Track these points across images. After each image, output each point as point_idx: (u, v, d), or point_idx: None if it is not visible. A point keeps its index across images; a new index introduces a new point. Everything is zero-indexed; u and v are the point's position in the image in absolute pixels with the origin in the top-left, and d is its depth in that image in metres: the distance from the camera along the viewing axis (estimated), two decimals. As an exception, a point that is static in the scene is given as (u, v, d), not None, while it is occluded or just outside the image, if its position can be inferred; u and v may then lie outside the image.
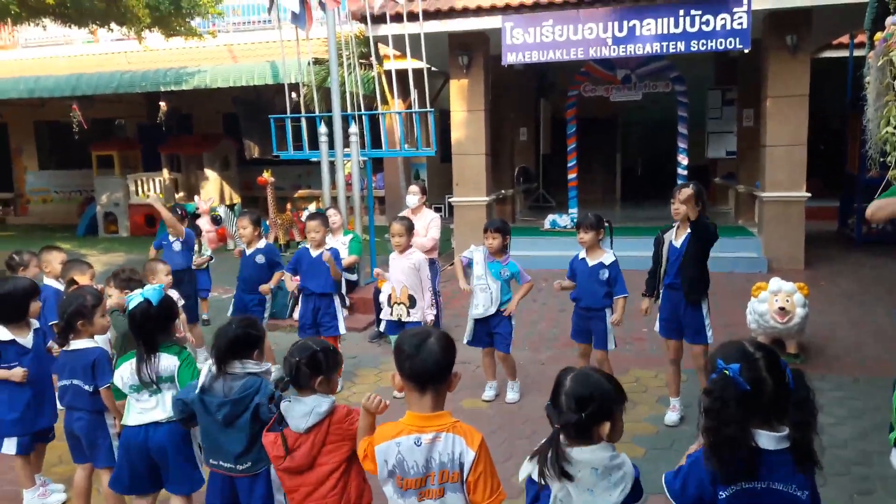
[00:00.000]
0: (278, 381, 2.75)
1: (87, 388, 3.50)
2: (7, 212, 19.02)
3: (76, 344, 3.53)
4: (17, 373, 3.77)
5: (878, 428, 4.49)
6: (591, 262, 4.97)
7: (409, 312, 5.30)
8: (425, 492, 2.22)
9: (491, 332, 5.25)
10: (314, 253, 5.58)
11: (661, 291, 4.82)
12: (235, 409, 2.94)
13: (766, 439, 2.00)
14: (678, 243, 4.64)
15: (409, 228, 5.54)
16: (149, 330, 3.21)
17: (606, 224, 5.00)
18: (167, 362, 3.24)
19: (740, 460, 1.97)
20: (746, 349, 2.05)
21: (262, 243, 5.95)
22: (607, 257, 4.95)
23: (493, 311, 5.16)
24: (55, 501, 3.97)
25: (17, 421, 3.84)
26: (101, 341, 3.69)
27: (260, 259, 5.86)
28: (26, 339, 3.88)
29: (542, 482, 2.08)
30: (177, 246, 6.45)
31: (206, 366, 3.04)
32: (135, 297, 3.21)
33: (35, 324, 3.98)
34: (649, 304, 4.93)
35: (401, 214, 7.51)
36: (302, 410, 2.59)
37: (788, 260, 9.58)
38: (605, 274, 4.90)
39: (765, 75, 9.65)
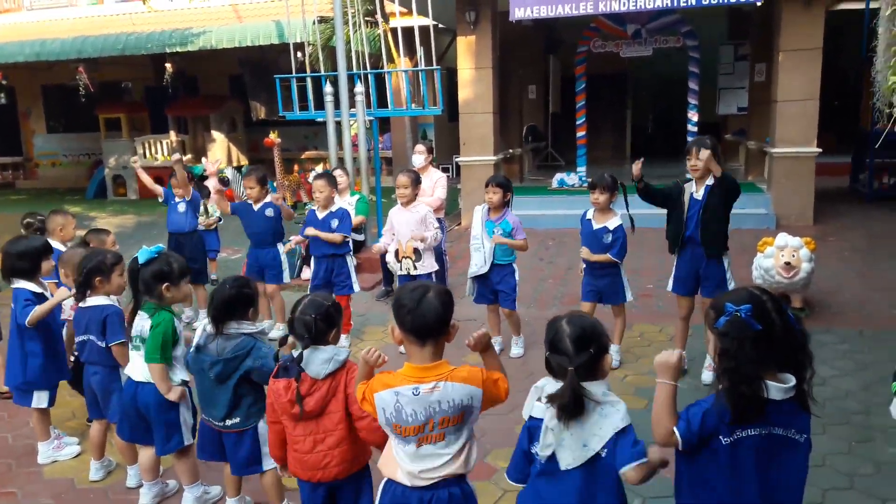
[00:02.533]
0: (282, 340, 2.81)
1: (100, 343, 3.59)
2: (17, 175, 19.11)
3: (91, 300, 3.60)
4: (62, 293, 3.86)
5: (881, 380, 4.52)
6: (596, 225, 4.93)
7: (415, 266, 5.32)
8: (424, 437, 2.27)
9: (494, 289, 5.28)
10: (321, 214, 5.59)
11: (678, 245, 4.71)
12: (227, 368, 3.05)
13: (775, 390, 2.05)
14: (699, 195, 4.56)
15: (416, 181, 5.50)
16: (134, 286, 3.32)
17: (621, 185, 4.91)
18: (145, 324, 3.30)
19: (752, 405, 2.02)
20: (754, 293, 2.13)
21: (268, 198, 5.97)
22: (613, 221, 4.89)
23: (485, 269, 5.19)
24: (69, 454, 4.08)
25: (51, 373, 3.98)
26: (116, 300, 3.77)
27: (269, 213, 5.89)
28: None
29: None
30: (181, 207, 6.47)
31: (200, 325, 3.12)
32: (140, 253, 3.29)
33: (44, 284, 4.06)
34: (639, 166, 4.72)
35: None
36: (322, 357, 2.65)
37: (797, 216, 9.52)
38: (609, 238, 4.87)
39: (778, 29, 9.46)
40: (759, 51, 11.43)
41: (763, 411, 2.03)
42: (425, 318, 2.24)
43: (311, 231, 5.51)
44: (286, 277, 6.08)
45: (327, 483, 2.73)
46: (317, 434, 2.70)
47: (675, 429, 2.12)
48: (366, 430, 2.65)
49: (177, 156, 6.36)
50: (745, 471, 2.07)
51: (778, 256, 5.75)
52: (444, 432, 2.27)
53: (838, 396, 4.41)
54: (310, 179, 10.97)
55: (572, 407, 2.11)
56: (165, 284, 3.29)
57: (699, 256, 4.63)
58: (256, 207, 5.92)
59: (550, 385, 2.21)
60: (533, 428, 2.25)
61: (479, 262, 5.22)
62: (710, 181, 4.50)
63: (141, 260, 3.28)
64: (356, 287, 5.69)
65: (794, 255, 5.71)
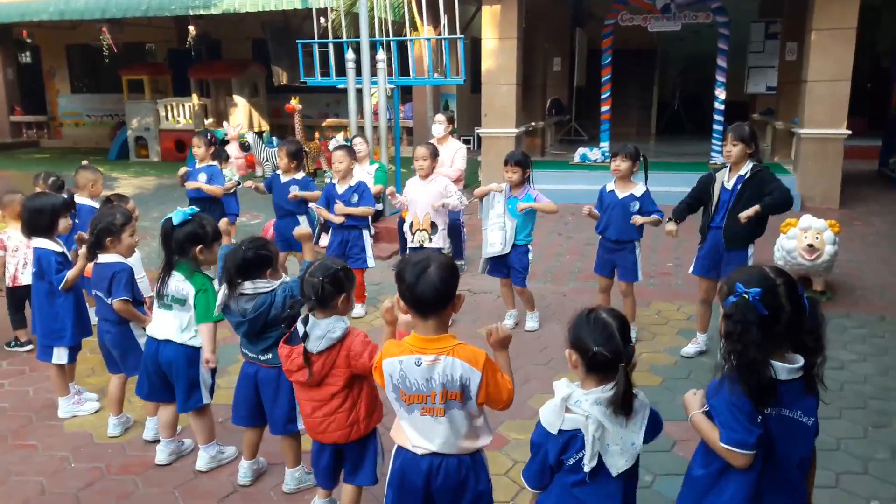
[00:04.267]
0: (294, 303, 2.81)
1: (108, 300, 3.63)
2: (41, 134, 19.27)
3: (103, 258, 3.64)
4: (81, 262, 3.90)
5: (900, 366, 4.47)
6: (621, 194, 4.84)
7: (430, 238, 5.30)
8: (428, 408, 2.28)
9: (508, 266, 5.24)
10: (340, 189, 5.52)
11: (706, 233, 4.64)
12: (253, 326, 3.08)
13: (781, 370, 2.02)
14: (729, 184, 4.44)
15: (435, 153, 5.45)
16: (167, 247, 3.33)
17: (643, 158, 4.84)
18: (181, 285, 3.33)
19: (762, 387, 1.99)
20: (767, 274, 2.05)
21: (300, 174, 5.91)
22: (638, 188, 4.81)
23: (507, 249, 5.14)
24: (89, 409, 4.15)
25: (73, 330, 4.04)
26: (133, 261, 3.80)
27: (294, 189, 5.85)
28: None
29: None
30: (202, 177, 6.50)
31: (221, 289, 3.13)
32: (174, 214, 3.31)
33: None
34: (675, 228, 4.71)
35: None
36: (316, 333, 2.66)
37: (823, 198, 9.36)
38: (637, 205, 4.78)
39: (811, 7, 9.21)
40: (791, 29, 11.17)
41: (776, 393, 2.01)
42: (425, 294, 2.23)
43: (340, 209, 5.41)
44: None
45: (330, 444, 2.80)
46: (315, 401, 2.75)
47: (736, 449, 2.02)
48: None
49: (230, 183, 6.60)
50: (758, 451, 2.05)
51: (801, 238, 5.67)
52: (446, 407, 2.27)
53: (856, 380, 4.36)
54: (330, 147, 10.97)
55: (630, 405, 2.05)
56: (199, 247, 3.32)
57: (722, 242, 4.53)
58: (284, 180, 5.88)
59: (581, 393, 2.08)
60: (567, 441, 2.08)
61: (501, 242, 5.14)
62: (743, 170, 4.39)
63: (175, 221, 3.29)
64: (370, 262, 5.65)
65: (817, 238, 5.62)
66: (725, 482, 2.09)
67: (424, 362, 2.25)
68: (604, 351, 2.04)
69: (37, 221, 4.00)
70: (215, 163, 6.69)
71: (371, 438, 2.84)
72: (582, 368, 2.09)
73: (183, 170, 6.71)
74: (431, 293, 2.22)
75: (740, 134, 4.35)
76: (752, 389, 1.99)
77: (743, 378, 2.00)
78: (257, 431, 3.34)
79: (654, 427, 2.14)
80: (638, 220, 4.75)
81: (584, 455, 2.05)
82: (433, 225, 5.31)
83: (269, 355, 3.13)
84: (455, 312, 2.35)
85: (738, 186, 4.40)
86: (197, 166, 6.57)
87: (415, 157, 5.42)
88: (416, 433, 2.34)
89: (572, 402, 2.07)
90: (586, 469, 2.05)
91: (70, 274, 3.94)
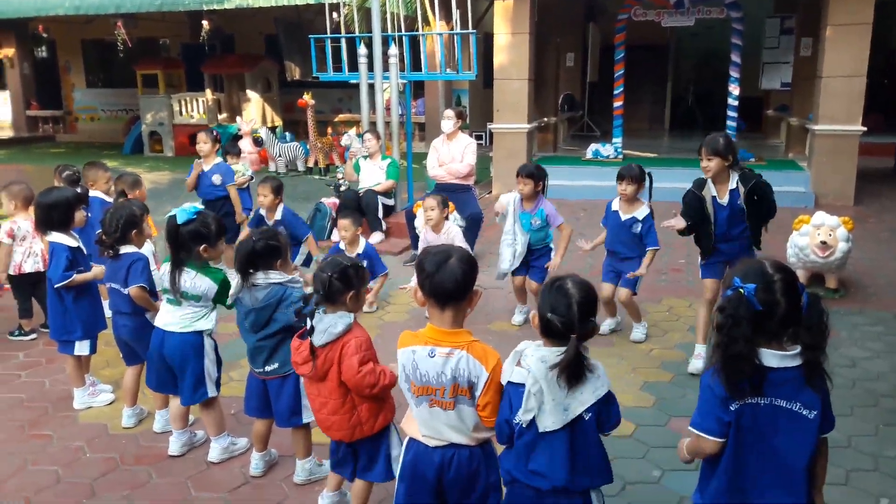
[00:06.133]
0: (305, 298, 2.84)
1: (124, 291, 3.67)
2: (57, 129, 19.44)
3: (122, 250, 3.68)
4: (99, 271, 3.96)
5: (913, 364, 4.45)
6: (624, 216, 4.83)
7: None
8: (437, 401, 2.31)
9: (529, 264, 5.21)
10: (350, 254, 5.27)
11: (709, 252, 4.39)
12: (260, 317, 3.11)
13: (770, 357, 2.02)
14: (723, 200, 4.22)
15: (445, 202, 5.31)
16: (173, 245, 3.35)
17: (648, 175, 4.80)
18: (198, 281, 3.36)
19: (746, 377, 2.00)
20: (766, 270, 2.04)
21: (279, 213, 5.63)
22: (641, 211, 4.80)
23: (517, 265, 5.15)
24: (104, 400, 4.19)
25: (93, 323, 4.11)
26: (146, 251, 3.84)
27: (282, 229, 5.59)
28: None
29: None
30: (216, 178, 6.52)
31: (236, 279, 3.17)
32: (178, 212, 3.34)
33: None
34: (682, 225, 4.43)
35: (436, 140, 7.47)
36: (320, 327, 2.68)
37: (837, 195, 9.30)
38: (638, 227, 4.80)
39: (826, 2, 9.14)
40: (806, 25, 11.08)
41: (760, 380, 2.00)
42: (445, 284, 2.26)
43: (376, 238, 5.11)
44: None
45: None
46: (321, 396, 2.77)
47: (702, 433, 2.10)
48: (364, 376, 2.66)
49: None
50: (746, 440, 2.06)
51: (814, 235, 5.64)
52: (455, 401, 2.29)
53: (868, 378, 4.34)
54: (342, 142, 11.00)
55: (576, 374, 2.14)
56: (203, 245, 3.35)
57: (730, 255, 4.32)
58: (270, 220, 5.59)
59: (532, 349, 2.21)
60: (513, 394, 2.23)
61: (510, 259, 5.13)
62: (732, 184, 4.18)
63: (179, 220, 3.30)
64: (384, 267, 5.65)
65: (830, 235, 5.60)
66: (709, 477, 2.16)
67: (438, 354, 2.28)
68: (555, 319, 2.16)
69: (52, 216, 4.03)
70: (220, 160, 6.71)
71: (383, 435, 2.84)
72: (540, 331, 2.23)
73: (192, 179, 6.64)
74: (451, 283, 2.26)
75: (714, 148, 4.13)
76: (730, 380, 2.01)
77: (725, 369, 2.01)
78: (266, 423, 3.37)
79: (607, 414, 2.23)
80: (634, 275, 4.79)
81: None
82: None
83: (275, 364, 3.17)
84: (471, 308, 2.37)
85: (738, 202, 4.19)
86: (203, 164, 6.57)
87: (424, 206, 5.29)
88: (425, 425, 2.36)
89: (523, 358, 2.22)
90: (516, 421, 2.20)
91: (78, 277, 3.95)
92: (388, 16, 8.36)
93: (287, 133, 14.06)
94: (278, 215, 5.61)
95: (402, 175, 8.27)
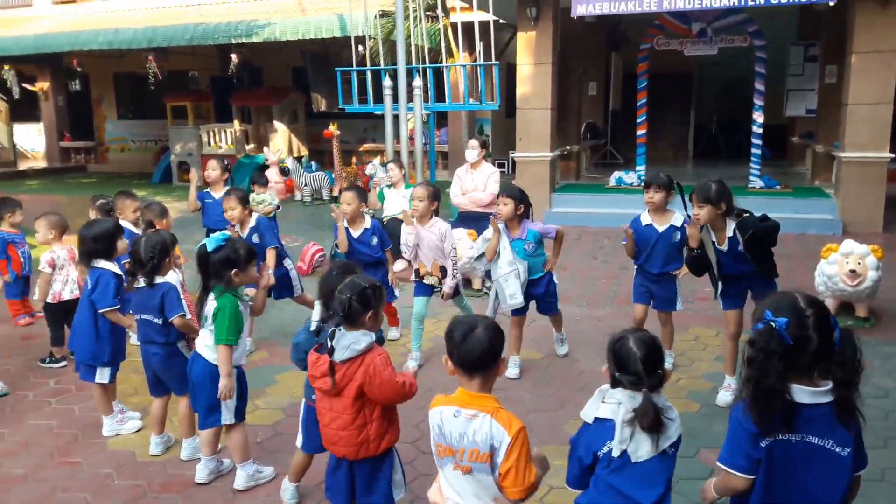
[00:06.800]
0: (319, 322, 2.88)
1: (157, 321, 3.73)
2: (88, 160, 19.91)
3: (146, 280, 3.74)
4: (133, 323, 3.98)
5: (947, 396, 4.34)
6: (660, 227, 4.60)
7: (441, 282, 5.11)
8: (457, 464, 2.32)
9: (535, 297, 4.93)
10: (356, 233, 5.28)
11: (717, 288, 4.30)
12: (300, 355, 3.08)
13: (802, 393, 1.98)
14: (723, 246, 4.08)
15: (435, 196, 5.08)
16: (203, 272, 3.45)
17: (677, 185, 4.48)
18: (211, 305, 3.44)
19: (777, 413, 1.97)
20: (798, 304, 2.00)
21: (252, 221, 5.44)
22: (677, 218, 4.60)
23: (523, 301, 4.82)
24: (132, 427, 4.24)
25: (119, 352, 4.19)
26: (174, 279, 3.89)
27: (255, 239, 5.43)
28: None
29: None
30: (256, 238, 6.37)
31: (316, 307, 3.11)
32: (207, 241, 3.43)
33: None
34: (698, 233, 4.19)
35: (459, 169, 7.53)
36: (342, 343, 2.71)
37: (865, 223, 9.18)
38: (678, 236, 4.57)
39: (851, 29, 9.13)
40: (831, 52, 11.06)
41: (791, 416, 1.97)
42: (472, 353, 2.29)
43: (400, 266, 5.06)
44: (297, 291, 5.76)
45: (343, 459, 2.84)
46: (333, 411, 2.79)
47: (730, 469, 2.09)
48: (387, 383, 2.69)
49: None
50: (776, 477, 2.02)
51: (842, 263, 5.57)
52: (472, 466, 2.28)
53: (901, 410, 4.25)
54: (366, 171, 11.13)
55: (655, 426, 2.18)
56: (234, 270, 3.43)
57: (747, 284, 4.26)
58: (244, 233, 5.36)
59: (620, 393, 2.25)
60: (601, 429, 2.25)
61: (519, 292, 4.77)
62: (730, 233, 4.00)
63: (210, 248, 3.41)
64: (395, 293, 5.57)
65: (859, 263, 5.52)
66: None
67: (463, 415, 2.30)
68: (624, 379, 2.24)
69: (97, 247, 4.10)
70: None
71: (385, 459, 2.85)
72: (611, 385, 2.31)
73: (192, 197, 6.55)
74: (477, 352, 2.29)
75: (705, 195, 3.96)
76: (761, 416, 1.98)
77: (756, 404, 1.99)
78: (305, 456, 3.35)
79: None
80: (678, 272, 4.65)
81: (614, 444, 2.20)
82: (443, 269, 5.09)
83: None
84: (499, 375, 2.39)
85: (739, 248, 4.01)
86: (212, 192, 6.40)
87: (413, 195, 5.10)
88: (449, 487, 2.37)
89: (608, 395, 2.28)
90: (615, 453, 2.21)
91: (121, 316, 4.06)
92: (413, 48, 8.51)
93: (313, 163, 14.25)
94: (252, 223, 5.44)
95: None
